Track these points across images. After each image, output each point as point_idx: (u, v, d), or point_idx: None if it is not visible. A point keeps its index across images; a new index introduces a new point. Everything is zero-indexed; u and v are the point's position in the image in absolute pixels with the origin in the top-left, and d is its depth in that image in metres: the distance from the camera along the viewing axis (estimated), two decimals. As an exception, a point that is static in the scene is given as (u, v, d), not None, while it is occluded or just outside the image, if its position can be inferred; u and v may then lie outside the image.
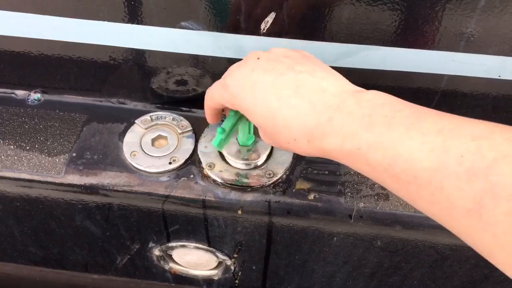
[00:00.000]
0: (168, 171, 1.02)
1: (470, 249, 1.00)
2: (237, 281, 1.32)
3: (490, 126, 0.52)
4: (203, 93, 1.10)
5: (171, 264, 1.29)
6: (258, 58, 0.73)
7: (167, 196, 1.00)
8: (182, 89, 1.11)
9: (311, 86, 0.67)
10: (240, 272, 1.27)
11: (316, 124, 0.64)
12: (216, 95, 0.79)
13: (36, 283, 1.51)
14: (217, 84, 0.80)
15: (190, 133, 1.08)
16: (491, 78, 0.96)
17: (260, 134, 0.78)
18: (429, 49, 0.93)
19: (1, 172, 1.01)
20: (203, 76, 1.07)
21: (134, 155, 1.03)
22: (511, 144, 0.47)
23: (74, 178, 1.01)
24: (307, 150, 0.67)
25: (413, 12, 0.88)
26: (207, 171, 1.01)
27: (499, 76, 0.95)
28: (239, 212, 1.00)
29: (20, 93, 1.15)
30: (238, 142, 1.02)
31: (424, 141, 0.53)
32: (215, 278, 1.32)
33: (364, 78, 1.00)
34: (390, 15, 0.88)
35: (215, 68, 1.04)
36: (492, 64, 0.93)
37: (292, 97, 0.66)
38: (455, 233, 0.54)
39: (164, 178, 1.01)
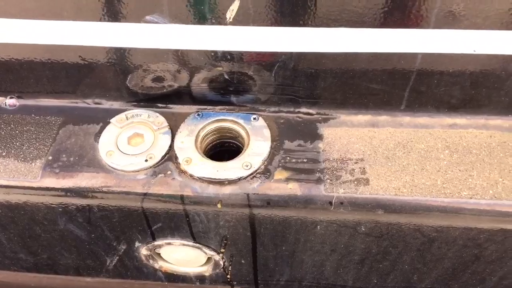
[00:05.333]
0: (145, 168, 1.01)
1: (456, 230, 0.99)
2: (229, 276, 1.31)
3: None
4: (179, 88, 1.10)
5: (161, 263, 1.29)
6: None
7: (145, 194, 0.99)
8: (158, 86, 1.10)
9: None
10: (230, 267, 1.26)
11: None
12: None
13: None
14: None
15: (166, 129, 1.06)
16: (466, 54, 0.93)
17: None
18: (400, 27, 0.91)
19: (-22, 179, 1.01)
20: (178, 71, 1.05)
21: (110, 154, 1.02)
22: None
23: (51, 182, 1.00)
24: None
25: (379, -10, 0.86)
26: (183, 166, 1.00)
27: (474, 51, 0.92)
28: (219, 205, 0.99)
29: (-5, 99, 1.14)
30: None
31: None
32: (207, 274, 1.31)
33: (336, 63, 0.98)
34: (356, -5, 0.86)
35: (189, 61, 1.02)
36: (465, 39, 0.90)
37: None
38: None
39: (141, 176, 1.00)
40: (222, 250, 1.17)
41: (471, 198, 0.94)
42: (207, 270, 1.30)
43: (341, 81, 1.02)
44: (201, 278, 1.35)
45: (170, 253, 1.23)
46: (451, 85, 1.01)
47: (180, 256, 1.24)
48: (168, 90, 1.10)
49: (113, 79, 1.08)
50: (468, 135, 1.04)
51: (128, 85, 1.10)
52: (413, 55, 0.95)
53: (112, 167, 1.01)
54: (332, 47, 0.95)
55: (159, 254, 1.26)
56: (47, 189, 1.00)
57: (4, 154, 1.03)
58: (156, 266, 1.29)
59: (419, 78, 1.00)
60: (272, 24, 0.92)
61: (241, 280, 1.33)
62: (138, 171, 1.00)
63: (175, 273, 1.33)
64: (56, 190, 1.00)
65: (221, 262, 1.22)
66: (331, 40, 0.94)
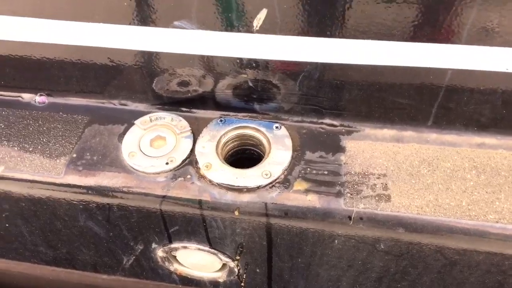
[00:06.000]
0: (165, 171, 1.01)
1: (480, 254, 0.95)
2: (242, 284, 1.30)
3: None
4: (204, 93, 1.11)
5: (176, 265, 1.29)
6: None
7: (163, 197, 1.00)
8: (182, 90, 1.11)
9: None
10: (244, 275, 1.25)
11: None
12: None
13: (49, 282, 1.54)
14: None
15: (189, 133, 1.07)
16: (498, 72, 0.90)
17: None
18: (429, 42, 0.89)
19: (5, 172, 1.03)
20: (203, 76, 1.06)
21: (133, 155, 1.03)
22: None
23: (74, 179, 1.02)
24: None
25: (412, 3, 0.84)
26: (203, 171, 1.00)
27: (507, 69, 0.89)
28: (236, 213, 0.99)
29: (26, 96, 1.18)
30: None
31: None
32: (221, 281, 1.31)
33: (363, 75, 0.96)
34: (386, 8, 0.84)
35: (214, 67, 1.03)
36: (498, 57, 0.87)
37: None
38: None
39: (161, 179, 1.01)
40: (238, 257, 1.16)
41: (497, 222, 0.90)
42: (221, 276, 1.29)
43: (367, 93, 1.01)
44: (215, 284, 1.35)
45: (185, 256, 1.24)
46: (481, 103, 0.98)
47: (196, 260, 1.24)
48: (192, 94, 1.11)
49: (140, 82, 1.10)
50: (497, 156, 1.01)
51: (154, 88, 1.11)
52: (443, 71, 0.93)
53: (133, 168, 1.02)
54: (359, 59, 0.93)
55: (175, 257, 1.26)
56: (70, 186, 1.02)
57: (31, 149, 1.06)
58: (172, 268, 1.30)
59: (448, 94, 0.97)
60: (299, 34, 0.91)
61: (255, 289, 1.32)
62: (158, 173, 1.01)
63: (189, 277, 1.33)
64: (78, 187, 1.02)
65: (236, 270, 1.22)
66: (359, 52, 0.92)
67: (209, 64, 1.01)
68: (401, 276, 1.09)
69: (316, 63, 0.95)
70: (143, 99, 1.14)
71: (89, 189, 1.02)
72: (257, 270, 1.21)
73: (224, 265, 1.24)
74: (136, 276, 1.39)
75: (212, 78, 1.05)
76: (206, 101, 1.11)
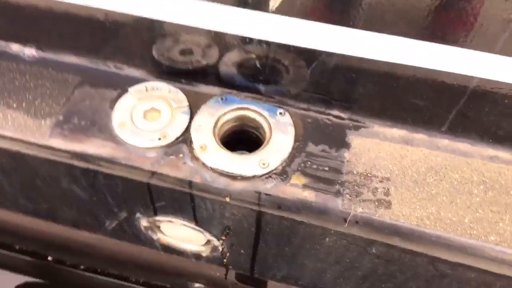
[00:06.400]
0: (156, 147, 0.95)
1: (473, 271, 0.92)
2: (225, 260, 1.28)
3: None
4: (206, 66, 1.02)
5: (159, 235, 1.26)
6: None
7: (152, 173, 0.94)
8: (184, 60, 1.02)
9: None
10: (228, 253, 1.22)
11: None
12: None
13: (29, 231, 1.51)
14: None
15: (186, 108, 1.00)
16: (528, 88, 0.83)
17: None
18: (461, 46, 0.80)
19: (-15, 127, 0.96)
20: (208, 48, 0.97)
21: (123, 125, 0.96)
22: None
23: (59, 143, 0.96)
24: None
25: (449, 3, 0.75)
26: (197, 152, 0.94)
27: (539, 86, 0.82)
28: (227, 199, 0.94)
29: (14, 47, 1.08)
30: None
31: None
32: (204, 255, 1.28)
33: (382, 71, 0.88)
34: (419, 2, 0.75)
35: (221, 43, 0.94)
36: (532, 73, 0.80)
37: None
38: None
39: (151, 154, 0.95)
40: (223, 237, 1.13)
41: (497, 244, 0.86)
42: (204, 251, 1.27)
43: (383, 90, 0.93)
44: (197, 256, 1.33)
45: (170, 229, 1.20)
46: (502, 116, 0.91)
47: (180, 233, 1.21)
48: (194, 66, 1.02)
49: (139, 45, 1.01)
50: (509, 173, 0.95)
51: (154, 54, 1.02)
52: (469, 78, 0.85)
53: (123, 139, 0.96)
54: (380, 54, 0.85)
55: (159, 227, 1.23)
56: (54, 149, 0.96)
57: (15, 106, 0.98)
58: (154, 237, 1.27)
59: (469, 102, 0.90)
60: (318, 19, 0.82)
61: (237, 267, 1.31)
62: (149, 148, 0.95)
63: (172, 247, 1.30)
64: (63, 152, 0.96)
65: (220, 248, 1.19)
66: (381, 47, 0.84)
67: (216, 39, 0.92)
68: (387, 278, 1.07)
69: (333, 53, 0.87)
70: (141, 65, 1.05)
71: (74, 155, 0.95)
72: (242, 251, 1.18)
73: (208, 241, 1.21)
74: (118, 238, 1.37)
75: (217, 51, 0.96)
76: (208, 75, 1.03)
